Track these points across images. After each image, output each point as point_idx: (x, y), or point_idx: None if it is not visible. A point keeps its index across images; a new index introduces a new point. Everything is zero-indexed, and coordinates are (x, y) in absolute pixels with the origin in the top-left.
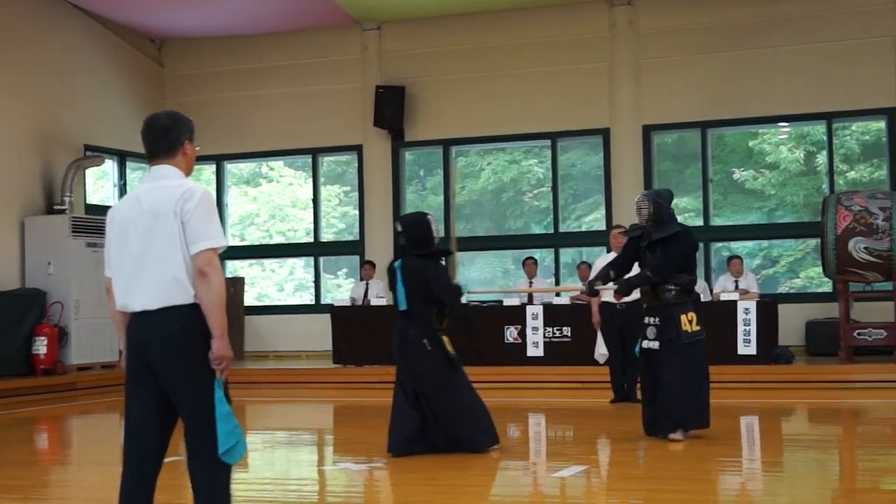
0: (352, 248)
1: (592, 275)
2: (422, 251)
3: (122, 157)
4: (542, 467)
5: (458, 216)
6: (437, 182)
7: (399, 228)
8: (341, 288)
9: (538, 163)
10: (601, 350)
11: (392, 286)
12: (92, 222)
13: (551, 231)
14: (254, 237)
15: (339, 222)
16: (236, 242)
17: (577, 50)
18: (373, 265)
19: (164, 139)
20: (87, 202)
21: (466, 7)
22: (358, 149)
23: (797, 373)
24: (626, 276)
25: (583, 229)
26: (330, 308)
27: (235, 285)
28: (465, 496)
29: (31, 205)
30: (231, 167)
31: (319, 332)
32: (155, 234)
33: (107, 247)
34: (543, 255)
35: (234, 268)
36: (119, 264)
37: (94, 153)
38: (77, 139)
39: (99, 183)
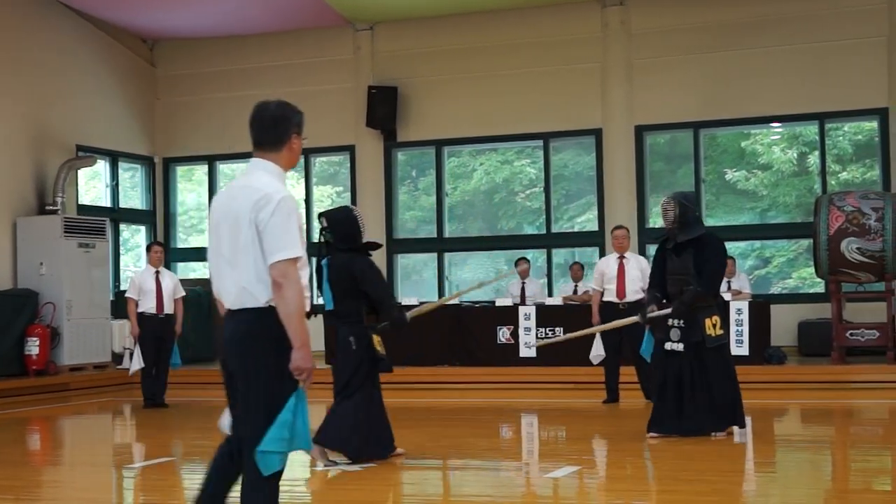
0: None
1: (596, 283)
2: (348, 246)
3: (114, 158)
4: (535, 468)
5: (450, 216)
6: (430, 182)
7: (324, 224)
8: None
9: (530, 163)
10: (597, 351)
11: (319, 286)
12: (84, 222)
13: (544, 231)
14: None
15: None
16: None
17: (570, 50)
18: None
19: (273, 131)
20: (80, 202)
21: (459, 7)
22: (350, 149)
23: (789, 373)
24: (681, 298)
25: (575, 230)
26: (322, 308)
27: None
28: (461, 494)
29: (24, 205)
30: (223, 168)
31: (311, 332)
32: (234, 237)
33: (207, 238)
34: (536, 256)
35: None
36: (213, 260)
37: (87, 153)
38: (69, 139)
39: (91, 183)
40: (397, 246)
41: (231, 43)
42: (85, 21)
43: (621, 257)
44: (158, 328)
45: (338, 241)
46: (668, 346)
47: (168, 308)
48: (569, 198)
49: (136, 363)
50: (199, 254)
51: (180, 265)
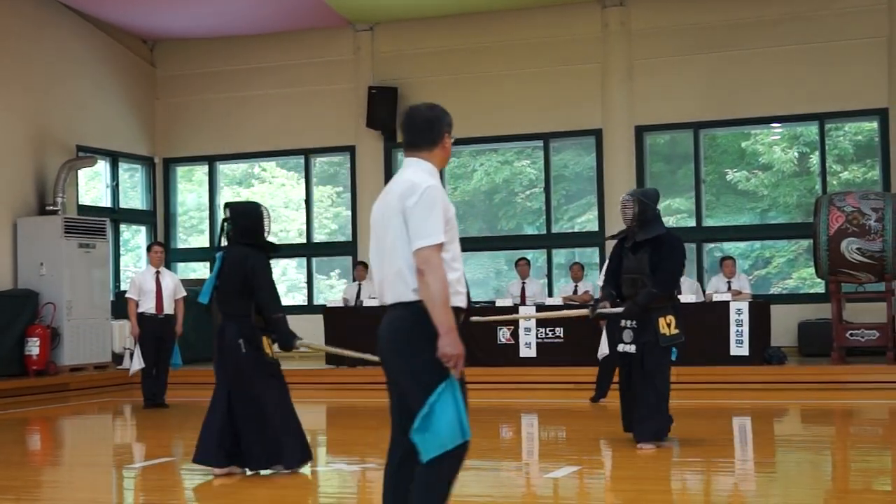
0: (344, 248)
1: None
2: (246, 241)
3: (114, 158)
4: (535, 468)
5: None
6: None
7: (227, 214)
8: (334, 289)
9: (530, 164)
10: (604, 349)
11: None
12: (84, 223)
13: (544, 232)
14: None
15: (331, 223)
16: None
17: (570, 51)
18: (365, 266)
19: (428, 133)
20: (80, 203)
21: (459, 8)
22: (350, 149)
23: (790, 373)
24: (635, 299)
25: (575, 230)
26: (323, 309)
27: None
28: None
29: (24, 205)
30: (223, 168)
31: (312, 333)
32: (388, 231)
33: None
34: (536, 256)
35: None
36: (375, 257)
37: (87, 154)
38: (69, 140)
39: (91, 184)
40: None
41: (231, 43)
42: (85, 21)
43: None
44: (158, 328)
45: (237, 233)
46: (620, 347)
47: (168, 308)
48: (569, 198)
49: (137, 363)
50: (199, 254)
51: (180, 265)
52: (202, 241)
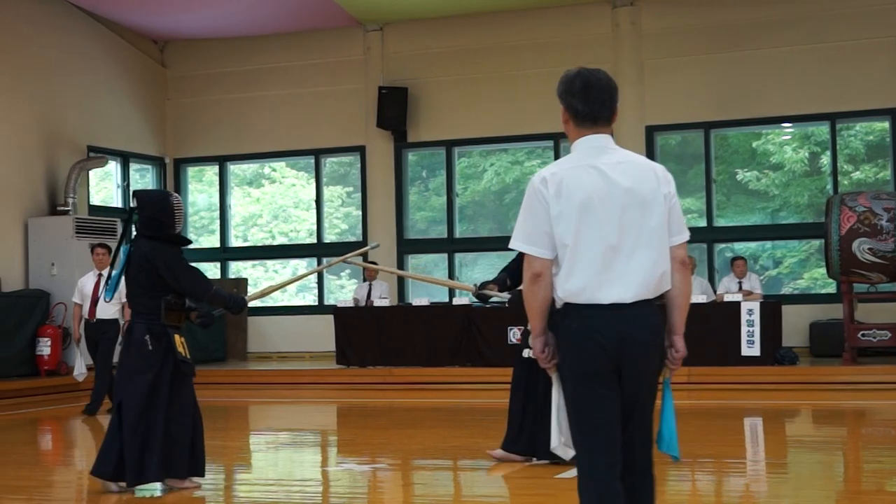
0: (355, 248)
1: None
2: (153, 233)
3: (125, 158)
4: (544, 469)
5: (460, 217)
6: (440, 183)
7: (133, 204)
8: (344, 289)
9: (541, 164)
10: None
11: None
12: (95, 223)
13: None
14: (256, 238)
15: (341, 223)
16: (239, 244)
17: (580, 51)
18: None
19: (610, 103)
20: (91, 203)
21: (469, 8)
22: (361, 150)
23: (801, 374)
24: (520, 288)
25: None
26: (333, 309)
27: (238, 286)
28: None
29: (35, 206)
30: (234, 168)
31: (323, 333)
32: (641, 218)
33: (551, 221)
34: None
35: (237, 269)
36: (585, 247)
37: (98, 154)
38: (80, 140)
39: (102, 184)
40: (408, 246)
41: (241, 44)
42: (96, 22)
43: None
44: (92, 334)
45: (142, 224)
46: (525, 353)
47: (103, 314)
48: None
49: (79, 368)
50: (209, 254)
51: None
52: (213, 241)
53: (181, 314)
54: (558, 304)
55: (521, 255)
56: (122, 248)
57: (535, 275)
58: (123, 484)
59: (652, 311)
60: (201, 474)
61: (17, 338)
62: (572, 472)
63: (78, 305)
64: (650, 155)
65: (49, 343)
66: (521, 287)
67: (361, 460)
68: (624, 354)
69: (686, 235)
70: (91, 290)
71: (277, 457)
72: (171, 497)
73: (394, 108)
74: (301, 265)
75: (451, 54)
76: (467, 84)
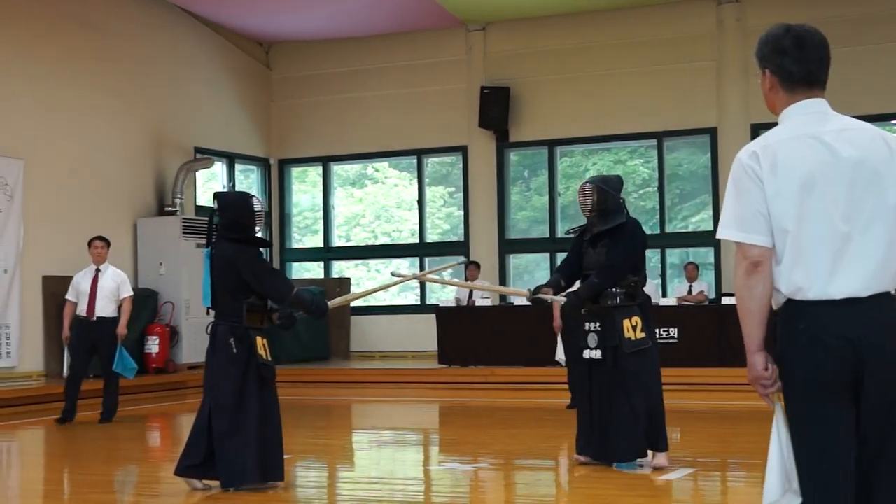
0: (456, 248)
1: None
2: (235, 235)
3: (230, 160)
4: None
5: (562, 216)
6: (542, 182)
7: (215, 206)
8: (446, 289)
9: (644, 163)
10: (560, 354)
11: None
12: (202, 223)
13: (657, 231)
14: (359, 238)
15: (443, 223)
16: (342, 244)
17: (684, 48)
18: (477, 266)
19: (828, 62)
20: (197, 203)
21: (571, 6)
22: (463, 149)
23: None
24: (574, 289)
25: (689, 230)
26: (435, 308)
27: (341, 286)
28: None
29: (144, 206)
30: (337, 168)
31: (424, 333)
32: (874, 196)
33: (767, 202)
34: (649, 256)
35: (340, 268)
36: (809, 232)
37: (204, 155)
38: (187, 142)
39: (208, 185)
40: (509, 246)
41: (345, 45)
42: (202, 25)
43: None
44: (88, 333)
45: (223, 227)
46: (585, 353)
47: (103, 311)
48: (683, 197)
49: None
50: (312, 254)
51: (295, 265)
52: (316, 241)
53: (263, 315)
54: (776, 304)
55: (573, 254)
56: (203, 252)
57: (753, 264)
58: (209, 482)
59: (893, 305)
60: (280, 478)
61: (126, 337)
62: (678, 474)
63: (71, 303)
64: None
65: (157, 341)
66: (571, 289)
67: (463, 460)
68: (861, 363)
69: None
70: (88, 286)
71: (380, 455)
72: (263, 496)
73: (495, 108)
74: (403, 265)
75: (553, 53)
76: (569, 83)
